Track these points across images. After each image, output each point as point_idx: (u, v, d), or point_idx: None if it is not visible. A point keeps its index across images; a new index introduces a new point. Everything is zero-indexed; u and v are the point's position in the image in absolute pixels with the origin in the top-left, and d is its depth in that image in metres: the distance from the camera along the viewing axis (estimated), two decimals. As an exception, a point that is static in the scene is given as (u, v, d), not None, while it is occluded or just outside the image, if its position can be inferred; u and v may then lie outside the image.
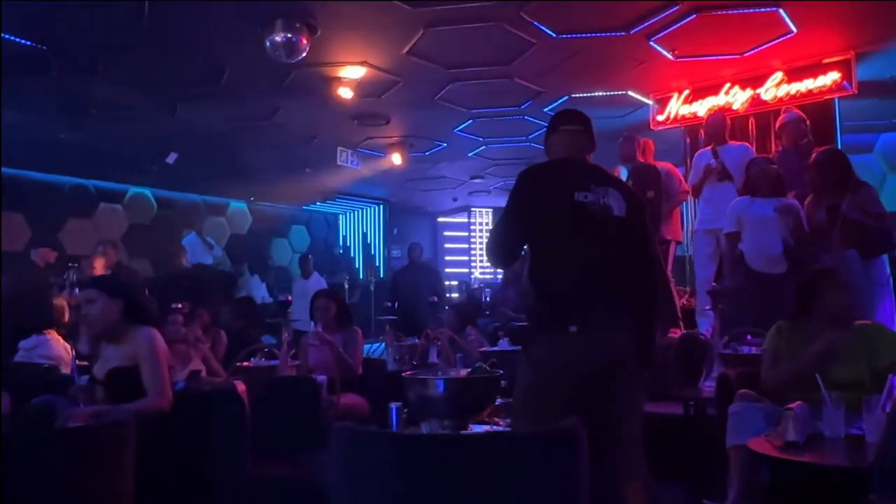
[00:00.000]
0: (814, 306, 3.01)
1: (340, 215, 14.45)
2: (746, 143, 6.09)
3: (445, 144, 9.13)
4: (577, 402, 2.24)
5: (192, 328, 4.83)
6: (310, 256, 9.58)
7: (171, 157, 8.51)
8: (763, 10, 5.31)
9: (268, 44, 5.28)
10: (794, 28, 5.63)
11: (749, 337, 4.40)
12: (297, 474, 3.20)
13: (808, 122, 5.81)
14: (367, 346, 7.39)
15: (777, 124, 6.00)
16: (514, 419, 2.44)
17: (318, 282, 8.77)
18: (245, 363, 4.25)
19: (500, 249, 2.54)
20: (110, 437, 2.30)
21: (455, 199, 13.30)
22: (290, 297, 4.11)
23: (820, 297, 2.99)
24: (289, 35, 5.19)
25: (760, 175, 4.90)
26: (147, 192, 11.01)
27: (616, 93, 7.15)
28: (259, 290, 10.26)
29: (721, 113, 6.36)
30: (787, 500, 2.65)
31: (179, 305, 5.05)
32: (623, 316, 2.41)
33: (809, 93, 6.35)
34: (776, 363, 3.01)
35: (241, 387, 3.38)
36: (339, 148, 8.98)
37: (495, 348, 5.30)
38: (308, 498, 2.99)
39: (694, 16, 5.35)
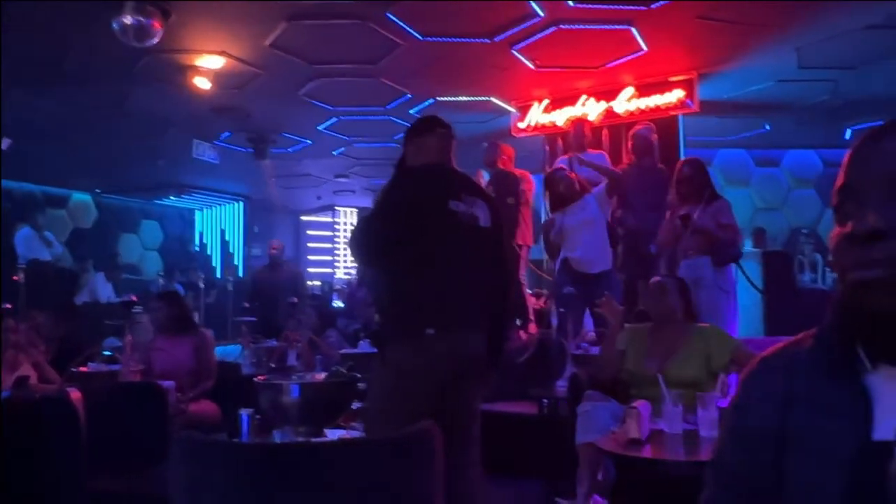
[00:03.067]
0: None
1: (197, 211, 13.79)
2: (603, 152, 6.37)
3: (310, 142, 8.94)
4: (432, 403, 2.25)
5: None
6: None
7: (4, 143, 7.75)
8: (616, 27, 5.60)
9: (116, 26, 4.92)
10: (644, 46, 5.98)
11: (591, 334, 4.61)
12: (138, 488, 2.98)
13: (653, 143, 5.97)
14: (223, 349, 7.08)
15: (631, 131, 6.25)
16: (370, 423, 2.41)
17: None
18: (82, 368, 3.93)
19: (367, 244, 2.50)
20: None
21: (319, 198, 13.07)
22: (134, 297, 3.82)
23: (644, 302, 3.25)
24: (139, 18, 4.86)
25: (562, 188, 5.14)
26: (-27, 180, 9.99)
27: (480, 98, 7.30)
28: (105, 290, 9.58)
29: (581, 120, 6.64)
30: (632, 494, 2.79)
31: (8, 306, 4.60)
32: (478, 319, 2.46)
33: (657, 108, 6.78)
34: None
35: (75, 394, 3.11)
36: (195, 140, 8.55)
37: (356, 350, 5.23)
38: (149, 513, 2.80)
39: (553, 28, 5.55)
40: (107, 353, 4.20)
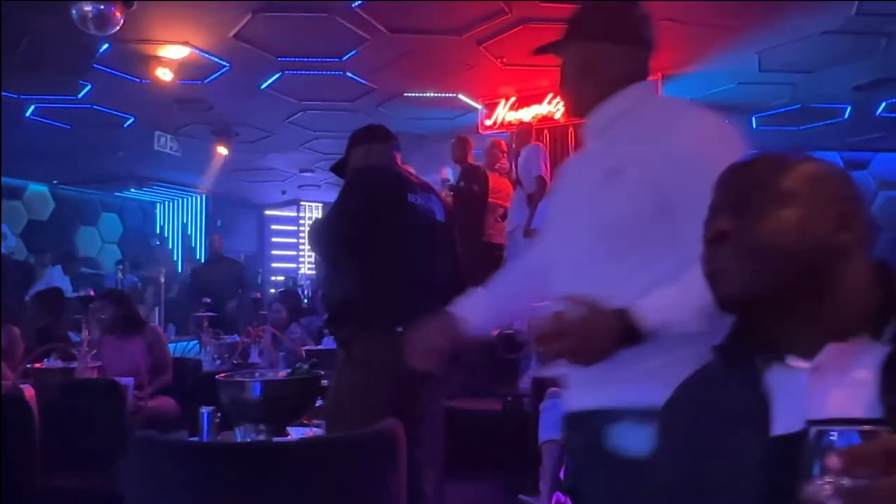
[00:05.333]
0: None
1: (158, 204, 13.54)
2: (539, 144, 6.39)
3: (274, 135, 8.84)
4: (397, 401, 2.24)
5: None
6: None
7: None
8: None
9: (75, 12, 4.80)
10: (610, 46, 6.03)
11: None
12: (95, 486, 2.93)
13: None
14: (184, 345, 6.97)
15: None
16: (333, 421, 2.38)
17: None
18: (37, 364, 3.82)
19: (334, 242, 2.51)
20: None
21: (284, 192, 12.94)
22: (92, 292, 3.74)
23: None
24: (99, 5, 4.74)
25: None
26: (-76, 169, 9.66)
27: (447, 95, 7.29)
28: (62, 284, 9.35)
29: (526, 124, 6.71)
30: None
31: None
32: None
33: (622, 108, 6.84)
34: None
35: (29, 391, 3.04)
36: (156, 132, 8.39)
37: (319, 347, 5.19)
38: (105, 512, 2.74)
39: (520, 26, 5.57)
40: (73, 349, 4.09)
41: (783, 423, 0.81)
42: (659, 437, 1.00)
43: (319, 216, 13.67)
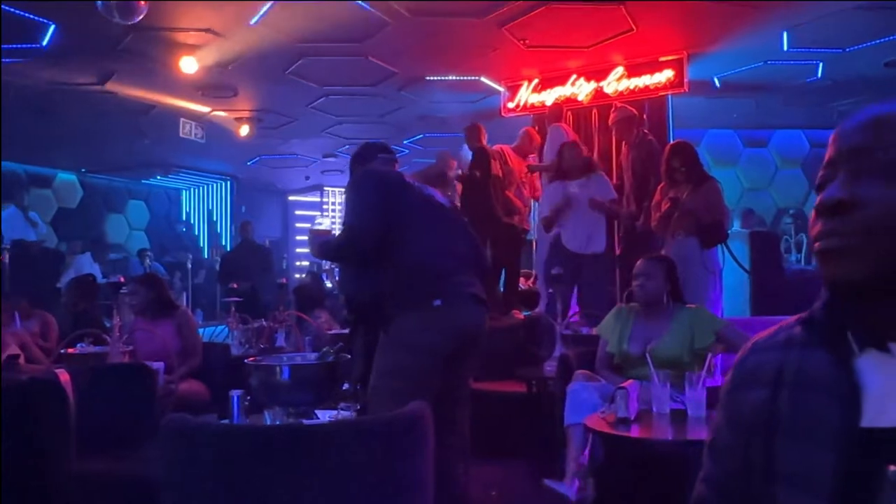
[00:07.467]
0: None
1: (183, 191, 13.69)
2: (559, 125, 6.39)
3: (297, 120, 8.87)
4: (435, 380, 2.29)
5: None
6: None
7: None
8: (606, 5, 5.56)
9: (100, 3, 4.84)
10: (634, 26, 5.95)
11: (575, 318, 4.63)
12: (127, 469, 2.98)
13: (634, 118, 5.96)
14: (212, 329, 7.07)
15: (609, 122, 6.30)
16: (377, 399, 2.41)
17: None
18: (70, 349, 3.90)
19: (365, 240, 2.52)
20: None
21: (307, 178, 12.99)
22: (122, 278, 3.82)
23: (632, 283, 3.26)
24: (124, -6, 4.78)
25: (570, 158, 5.24)
26: (-44, 159, 9.84)
27: (469, 78, 7.24)
28: (92, 271, 9.52)
29: (557, 105, 6.69)
30: (621, 473, 2.82)
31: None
32: (475, 290, 2.51)
33: (647, 88, 6.75)
34: (604, 343, 3.24)
35: (64, 376, 3.09)
36: (181, 119, 8.45)
37: (345, 331, 5.22)
38: (139, 495, 2.80)
39: (543, 6, 5.51)
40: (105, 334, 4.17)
41: (876, 414, 0.74)
42: (728, 394, 0.91)
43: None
